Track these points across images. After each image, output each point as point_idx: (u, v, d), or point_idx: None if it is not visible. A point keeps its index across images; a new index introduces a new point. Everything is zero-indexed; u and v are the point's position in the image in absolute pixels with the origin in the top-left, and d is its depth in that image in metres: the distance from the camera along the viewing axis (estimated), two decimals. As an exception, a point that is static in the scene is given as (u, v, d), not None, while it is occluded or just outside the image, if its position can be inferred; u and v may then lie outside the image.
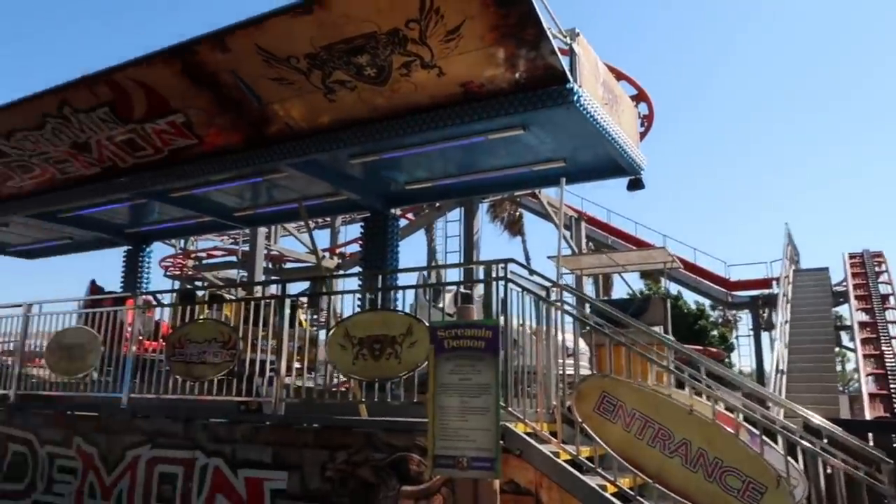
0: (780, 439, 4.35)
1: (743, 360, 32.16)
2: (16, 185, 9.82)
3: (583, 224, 20.78)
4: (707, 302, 30.60)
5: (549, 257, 11.13)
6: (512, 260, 5.43)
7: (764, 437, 4.25)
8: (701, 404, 4.53)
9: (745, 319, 26.46)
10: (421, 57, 6.07)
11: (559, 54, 5.85)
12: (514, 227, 26.99)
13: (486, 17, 5.60)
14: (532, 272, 6.05)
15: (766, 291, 21.57)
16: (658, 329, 8.66)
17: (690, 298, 33.46)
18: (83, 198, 9.37)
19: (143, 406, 7.20)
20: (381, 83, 6.44)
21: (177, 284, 25.53)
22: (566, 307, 5.52)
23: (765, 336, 21.57)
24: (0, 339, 8.80)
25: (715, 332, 37.77)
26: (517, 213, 25.94)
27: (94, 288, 11.19)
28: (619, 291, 30.61)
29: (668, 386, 4.92)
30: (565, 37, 6.53)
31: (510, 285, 5.40)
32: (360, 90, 6.59)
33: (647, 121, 21.85)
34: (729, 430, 4.21)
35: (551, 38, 5.77)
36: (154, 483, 6.63)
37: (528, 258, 26.66)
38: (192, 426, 6.64)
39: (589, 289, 23.14)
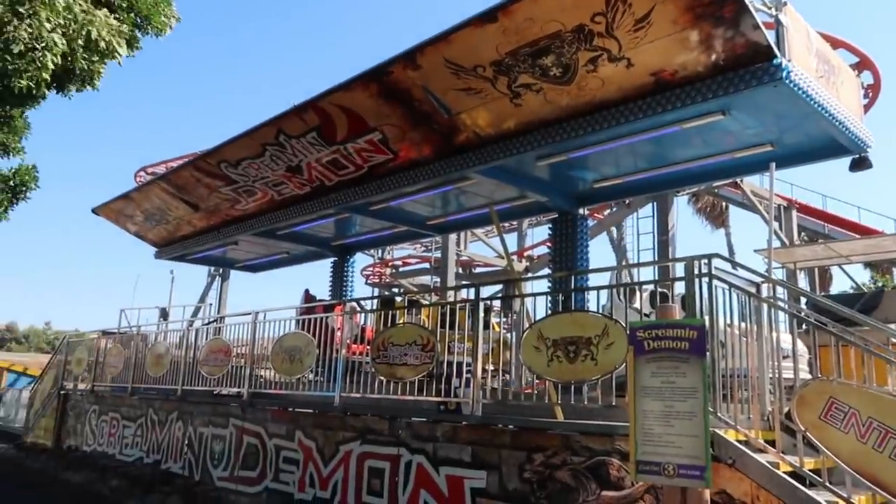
0: None
1: None
2: (242, 208, 11.15)
3: (794, 213, 18.79)
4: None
5: (755, 251, 10.18)
6: (717, 255, 5.05)
7: None
8: None
9: None
10: (608, 50, 5.89)
11: (763, 28, 5.34)
12: (719, 219, 25.21)
13: (679, 0, 5.29)
14: (739, 266, 5.58)
15: None
16: (894, 327, 7.55)
17: (932, 292, 28.78)
18: (297, 215, 10.36)
19: (353, 404, 7.77)
20: (567, 82, 6.35)
21: (376, 291, 27.31)
22: (780, 304, 4.99)
23: None
24: (234, 344, 9.98)
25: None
26: (723, 205, 24.16)
27: (308, 296, 12.31)
28: (839, 286, 27.26)
29: None
30: (770, 8, 5.95)
31: (715, 282, 5.03)
32: (545, 91, 6.55)
33: (872, 90, 19.20)
34: None
35: (753, 11, 5.29)
36: (364, 476, 7.11)
37: (731, 252, 24.76)
38: (396, 424, 7.03)
39: (803, 284, 20.90)
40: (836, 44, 18.40)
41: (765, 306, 4.99)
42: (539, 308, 7.06)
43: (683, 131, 6.83)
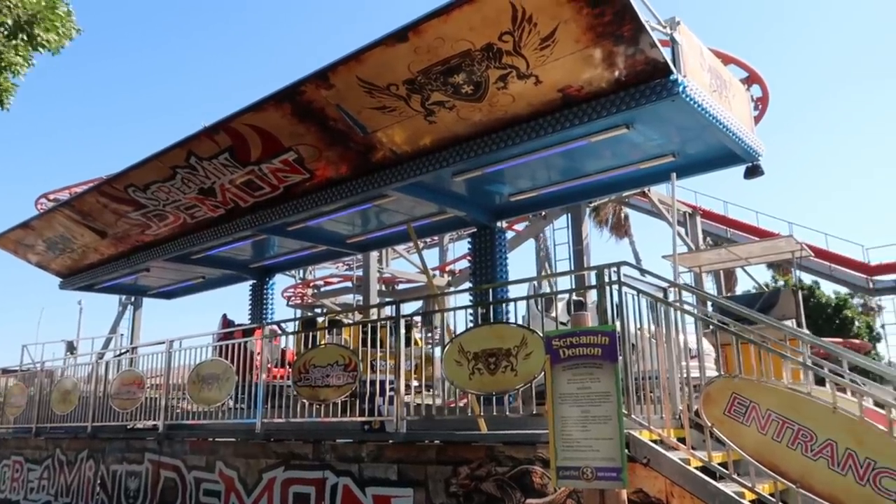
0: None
1: (892, 350, 29.16)
2: (153, 233, 10.73)
3: (698, 219, 19.84)
4: (843, 290, 28.18)
5: (663, 256, 10.69)
6: (625, 263, 5.27)
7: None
8: (846, 401, 4.15)
9: (889, 306, 24.15)
10: (517, 68, 6.07)
11: (660, 46, 5.66)
12: (620, 229, 26.21)
13: (580, 20, 5.52)
14: (645, 273, 5.83)
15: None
16: (790, 323, 8.09)
17: (829, 288, 30.96)
18: (212, 238, 10.06)
19: (276, 430, 7.57)
20: (479, 99, 6.50)
21: (299, 313, 26.79)
22: (686, 307, 5.25)
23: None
24: (148, 375, 9.54)
25: (858, 323, 34.73)
26: (622, 214, 25.18)
27: (226, 321, 11.96)
28: (744, 286, 28.92)
29: (807, 384, 4.55)
30: (665, 27, 6.32)
31: (624, 288, 5.25)
32: (458, 108, 6.67)
33: (761, 103, 20.61)
34: (881, 427, 3.81)
35: (650, 30, 5.59)
36: (290, 503, 6.94)
37: (638, 260, 25.79)
38: (320, 447, 6.91)
39: (709, 286, 22.03)
40: (727, 60, 19.70)
41: (672, 309, 5.22)
42: (462, 322, 7.13)
43: (593, 144, 7.11)
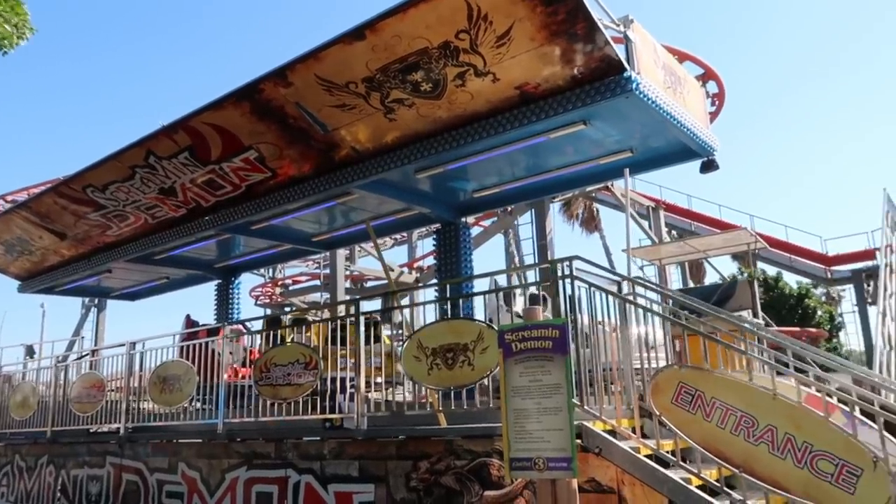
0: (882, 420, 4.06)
1: (851, 338, 29.99)
2: (114, 234, 10.56)
3: (661, 212, 20.16)
4: (806, 280, 28.87)
5: (623, 250, 10.86)
6: (577, 257, 5.35)
7: (863, 418, 3.97)
8: (787, 388, 4.28)
9: (848, 295, 24.83)
10: (474, 66, 6.12)
11: (613, 44, 5.76)
12: (591, 224, 26.52)
13: (535, 18, 5.60)
14: (597, 266, 5.87)
15: (870, 263, 20.20)
16: (745, 313, 8.29)
17: (793, 279, 31.73)
18: (174, 238, 9.94)
19: (239, 430, 7.53)
20: (438, 96, 6.54)
21: (268, 311, 26.60)
22: (640, 300, 5.34)
23: (872, 311, 20.13)
24: (110, 378, 9.40)
25: (821, 312, 35.63)
26: (593, 209, 25.45)
27: (190, 322, 11.82)
28: (713, 277, 29.45)
29: (755, 373, 4.68)
30: (618, 25, 6.42)
31: (577, 282, 5.34)
32: (418, 106, 6.71)
33: (717, 99, 21.06)
34: (818, 412, 3.95)
35: (603, 28, 5.69)
36: (252, 502, 6.93)
37: (608, 253, 26.14)
38: (282, 446, 6.91)
39: (676, 278, 22.43)
40: (683, 57, 20.11)
41: (624, 302, 5.30)
42: (429, 318, 7.15)
43: (553, 140, 7.19)
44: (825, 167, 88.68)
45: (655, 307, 5.17)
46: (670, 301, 5.75)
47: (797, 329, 18.44)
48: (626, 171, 7.70)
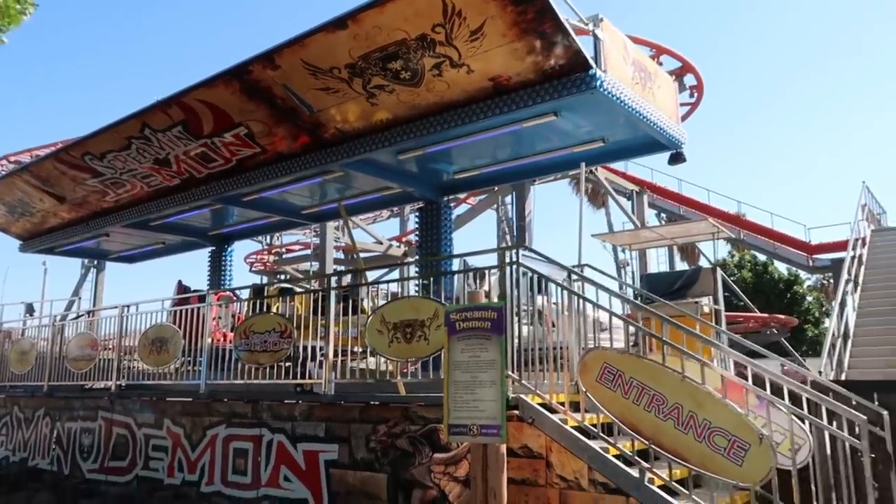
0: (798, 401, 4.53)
1: (835, 324, 30.43)
2: (112, 200, 10.99)
3: (644, 197, 20.51)
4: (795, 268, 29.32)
5: (593, 235, 11.25)
6: (523, 245, 5.80)
7: (774, 399, 4.43)
8: (698, 370, 4.67)
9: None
10: (449, 57, 6.49)
11: (578, 44, 6.11)
12: (597, 199, 26.82)
13: (505, 16, 5.95)
14: (541, 256, 6.16)
15: (852, 253, 20.62)
16: (707, 300, 8.72)
17: (784, 266, 32.15)
18: (168, 206, 10.38)
19: (220, 391, 8.05)
20: (416, 84, 6.91)
21: (265, 279, 27.10)
22: (575, 287, 5.66)
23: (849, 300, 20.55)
24: (103, 338, 9.89)
25: (810, 298, 36.14)
26: (598, 186, 25.71)
27: (181, 287, 12.28)
28: (703, 261, 29.86)
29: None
30: (587, 24, 6.75)
31: (521, 269, 5.67)
32: (398, 92, 7.08)
33: (696, 91, 21.38)
34: (717, 393, 4.43)
35: (570, 28, 6.04)
36: (230, 457, 7.50)
37: (612, 230, 26.44)
38: (258, 407, 7.43)
39: (664, 261, 22.77)
40: (661, 51, 20.40)
41: (576, 287, 5.69)
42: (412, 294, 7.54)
43: (528, 128, 7.56)
44: (831, 159, 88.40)
45: (601, 293, 5.55)
46: (621, 288, 6.17)
47: (765, 315, 18.97)
48: (583, 165, 8.15)
